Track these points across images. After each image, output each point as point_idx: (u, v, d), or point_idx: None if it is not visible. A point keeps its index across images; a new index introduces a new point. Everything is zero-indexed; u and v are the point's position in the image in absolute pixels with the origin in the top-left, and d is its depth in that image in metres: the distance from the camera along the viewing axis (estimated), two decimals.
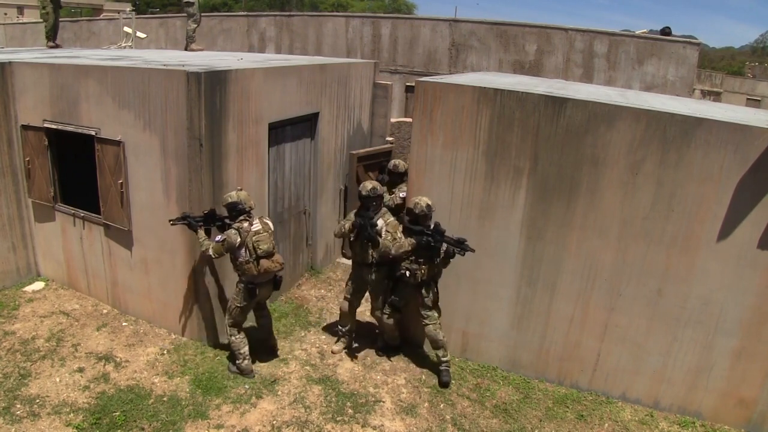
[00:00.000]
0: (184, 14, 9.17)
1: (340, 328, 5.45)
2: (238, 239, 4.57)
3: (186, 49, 9.01)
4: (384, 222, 4.93)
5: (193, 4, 8.74)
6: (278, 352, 5.36)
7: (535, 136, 4.68)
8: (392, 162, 6.44)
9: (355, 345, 5.52)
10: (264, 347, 5.31)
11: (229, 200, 4.67)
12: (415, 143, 5.15)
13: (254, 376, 4.96)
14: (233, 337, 4.90)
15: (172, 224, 4.86)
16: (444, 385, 5.01)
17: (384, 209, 5.06)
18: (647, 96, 6.52)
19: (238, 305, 4.81)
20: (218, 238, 4.66)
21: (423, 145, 5.09)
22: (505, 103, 4.72)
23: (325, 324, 6.01)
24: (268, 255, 4.65)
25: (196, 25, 8.94)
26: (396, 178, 6.43)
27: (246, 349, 4.93)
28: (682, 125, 4.28)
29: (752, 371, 4.56)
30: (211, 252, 4.65)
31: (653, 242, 4.54)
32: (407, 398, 4.88)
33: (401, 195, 5.87)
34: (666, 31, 11.06)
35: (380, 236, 4.89)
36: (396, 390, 4.97)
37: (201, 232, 4.75)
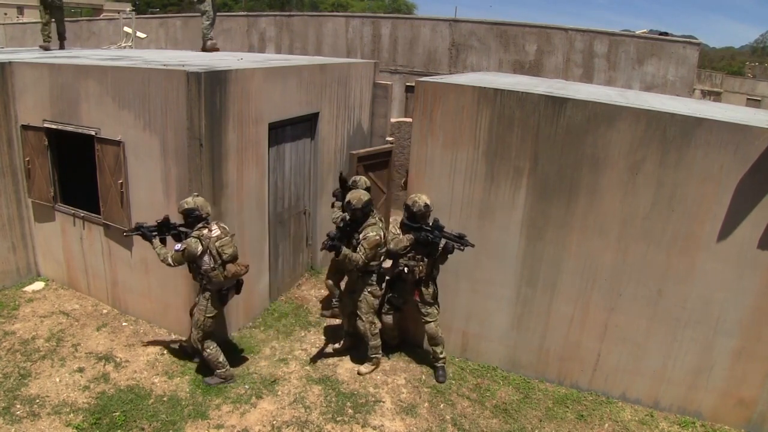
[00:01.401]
0: (184, 14, 8.91)
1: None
2: (200, 247, 4.41)
3: (203, 49, 8.54)
4: (364, 235, 4.67)
5: (203, 0, 8.33)
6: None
7: (535, 136, 4.68)
8: (353, 178, 5.43)
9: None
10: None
11: (186, 206, 4.47)
12: (415, 143, 5.15)
13: (235, 380, 4.87)
14: (208, 350, 4.72)
15: (125, 235, 4.74)
16: (439, 383, 5.09)
17: (374, 220, 4.76)
18: (647, 96, 6.51)
19: (210, 315, 4.64)
20: (177, 246, 4.46)
21: (423, 145, 5.09)
22: (505, 103, 4.72)
23: (325, 324, 6.01)
24: (233, 259, 4.54)
25: (209, 23, 8.49)
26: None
27: (223, 356, 4.80)
28: (682, 125, 4.28)
29: (752, 371, 4.56)
30: (170, 261, 4.47)
31: (653, 242, 4.54)
32: (407, 398, 4.88)
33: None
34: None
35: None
36: (396, 390, 4.97)
37: (156, 242, 4.59)
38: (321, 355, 5.40)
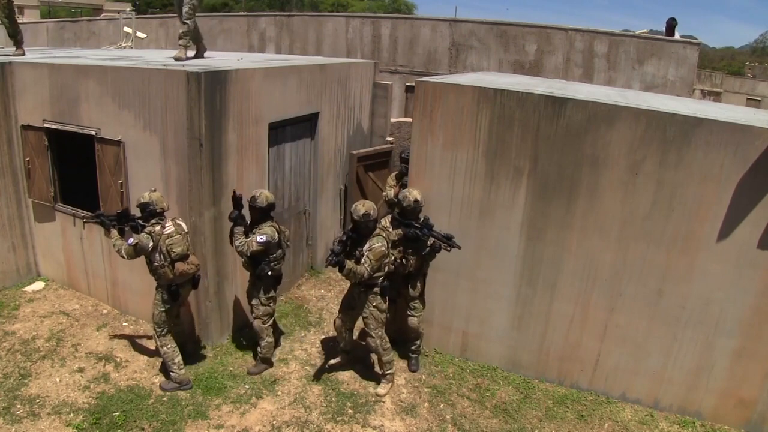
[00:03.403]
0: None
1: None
2: (150, 243, 4.43)
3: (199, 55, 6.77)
4: (369, 246, 4.46)
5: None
6: (202, 351, 5.29)
7: (535, 136, 4.68)
8: (253, 193, 4.79)
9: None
10: (196, 352, 5.24)
11: (141, 201, 4.52)
12: (415, 143, 5.15)
13: (191, 386, 4.78)
14: (165, 348, 4.70)
15: (84, 222, 4.76)
16: (411, 371, 5.24)
17: (377, 230, 4.55)
18: (647, 96, 6.51)
19: (163, 310, 4.65)
20: (130, 240, 4.46)
21: (423, 145, 5.09)
22: (505, 103, 4.72)
23: (325, 324, 6.00)
24: (183, 258, 4.54)
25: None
26: (257, 215, 4.79)
27: (180, 358, 4.75)
28: (682, 125, 4.28)
29: (752, 371, 4.56)
30: (123, 253, 4.48)
31: (653, 242, 4.54)
32: (407, 398, 4.88)
33: (258, 239, 4.62)
34: (671, 23, 10.88)
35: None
36: (396, 390, 4.97)
37: (114, 232, 4.59)
38: (323, 369, 5.22)
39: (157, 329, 4.71)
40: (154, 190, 4.65)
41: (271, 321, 5.02)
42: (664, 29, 11.09)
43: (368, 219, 4.46)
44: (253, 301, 4.94)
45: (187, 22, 5.93)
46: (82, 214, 5.82)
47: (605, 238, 4.67)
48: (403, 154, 6.25)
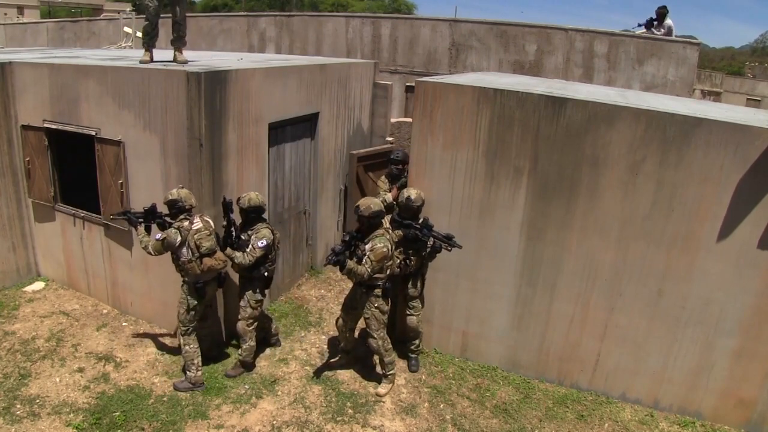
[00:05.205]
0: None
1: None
2: (179, 238, 4.45)
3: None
4: (371, 246, 4.43)
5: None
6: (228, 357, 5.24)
7: (535, 136, 4.69)
8: (240, 195, 4.81)
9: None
10: (221, 356, 5.23)
11: (170, 197, 4.54)
12: (415, 143, 5.15)
13: (205, 387, 4.78)
14: (187, 347, 4.68)
15: (112, 218, 4.84)
16: (411, 372, 5.23)
17: (381, 231, 4.52)
18: (647, 96, 6.51)
19: (188, 308, 4.64)
20: (158, 236, 4.50)
21: (423, 145, 5.09)
22: (505, 103, 4.72)
23: (325, 324, 6.00)
24: (211, 253, 4.54)
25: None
26: (244, 216, 4.81)
27: (199, 360, 4.73)
28: (682, 125, 4.28)
29: (752, 371, 4.56)
30: (150, 249, 4.51)
31: (653, 242, 4.54)
32: (407, 398, 4.88)
33: (260, 245, 4.64)
34: (661, 12, 10.70)
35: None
36: (396, 390, 4.97)
37: (140, 229, 4.62)
38: (323, 368, 5.22)
39: (182, 328, 4.70)
40: (182, 187, 4.66)
41: (255, 324, 4.97)
42: (654, 17, 10.81)
43: (359, 212, 4.46)
44: (242, 303, 4.89)
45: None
46: (82, 214, 5.84)
47: (605, 238, 4.67)
48: (392, 155, 6.20)
